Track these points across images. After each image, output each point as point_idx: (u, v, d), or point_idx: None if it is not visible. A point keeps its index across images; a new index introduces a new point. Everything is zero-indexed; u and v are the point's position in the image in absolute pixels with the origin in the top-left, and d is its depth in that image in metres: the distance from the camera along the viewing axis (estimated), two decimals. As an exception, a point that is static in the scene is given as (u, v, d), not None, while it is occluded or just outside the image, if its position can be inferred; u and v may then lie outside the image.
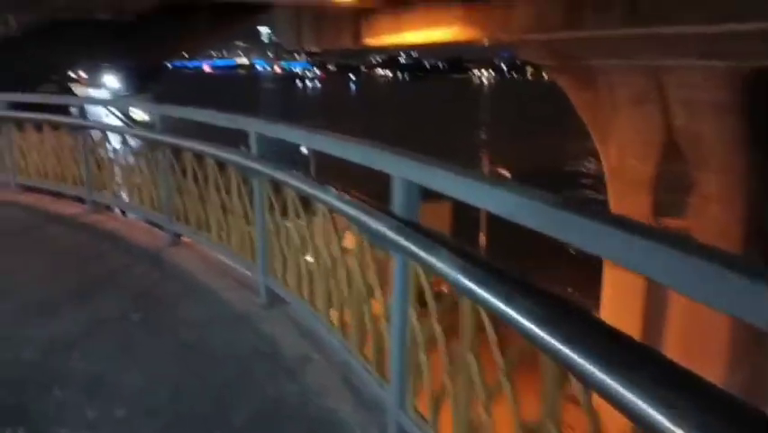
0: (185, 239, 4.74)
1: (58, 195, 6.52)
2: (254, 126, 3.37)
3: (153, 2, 12.44)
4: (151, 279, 4.11)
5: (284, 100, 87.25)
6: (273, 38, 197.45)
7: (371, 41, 12.37)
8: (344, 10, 12.52)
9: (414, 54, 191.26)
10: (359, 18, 12.62)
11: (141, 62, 15.59)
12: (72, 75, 26.66)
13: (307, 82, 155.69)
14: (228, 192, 3.89)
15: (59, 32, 11.19)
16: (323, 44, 13.72)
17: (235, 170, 3.68)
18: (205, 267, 4.23)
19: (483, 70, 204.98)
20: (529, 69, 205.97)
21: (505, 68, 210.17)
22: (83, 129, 5.74)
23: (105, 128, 5.57)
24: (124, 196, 5.42)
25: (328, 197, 2.53)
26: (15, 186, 6.89)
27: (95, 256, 4.60)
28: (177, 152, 4.50)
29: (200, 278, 4.05)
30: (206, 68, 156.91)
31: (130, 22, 12.63)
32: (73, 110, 5.80)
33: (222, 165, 3.89)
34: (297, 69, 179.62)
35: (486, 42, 12.68)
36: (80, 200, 6.21)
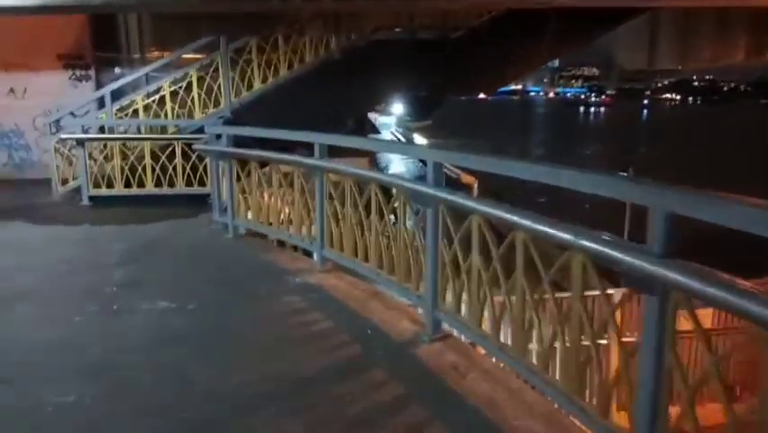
0: None
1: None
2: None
3: (486, 14, 10.31)
4: None
5: (564, 127, 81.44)
6: (550, 63, 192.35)
7: (787, 55, 8.47)
8: (739, 18, 8.86)
9: (708, 76, 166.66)
10: (757, 27, 8.81)
11: (468, 91, 13.59)
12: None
13: (590, 108, 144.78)
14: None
15: (376, 55, 9.71)
16: (690, 61, 10.21)
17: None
18: None
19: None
20: None
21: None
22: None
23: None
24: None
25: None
26: (321, 262, 5.03)
27: None
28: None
29: None
30: (481, 94, 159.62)
31: (454, 40, 10.66)
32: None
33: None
34: (574, 94, 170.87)
35: None
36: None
